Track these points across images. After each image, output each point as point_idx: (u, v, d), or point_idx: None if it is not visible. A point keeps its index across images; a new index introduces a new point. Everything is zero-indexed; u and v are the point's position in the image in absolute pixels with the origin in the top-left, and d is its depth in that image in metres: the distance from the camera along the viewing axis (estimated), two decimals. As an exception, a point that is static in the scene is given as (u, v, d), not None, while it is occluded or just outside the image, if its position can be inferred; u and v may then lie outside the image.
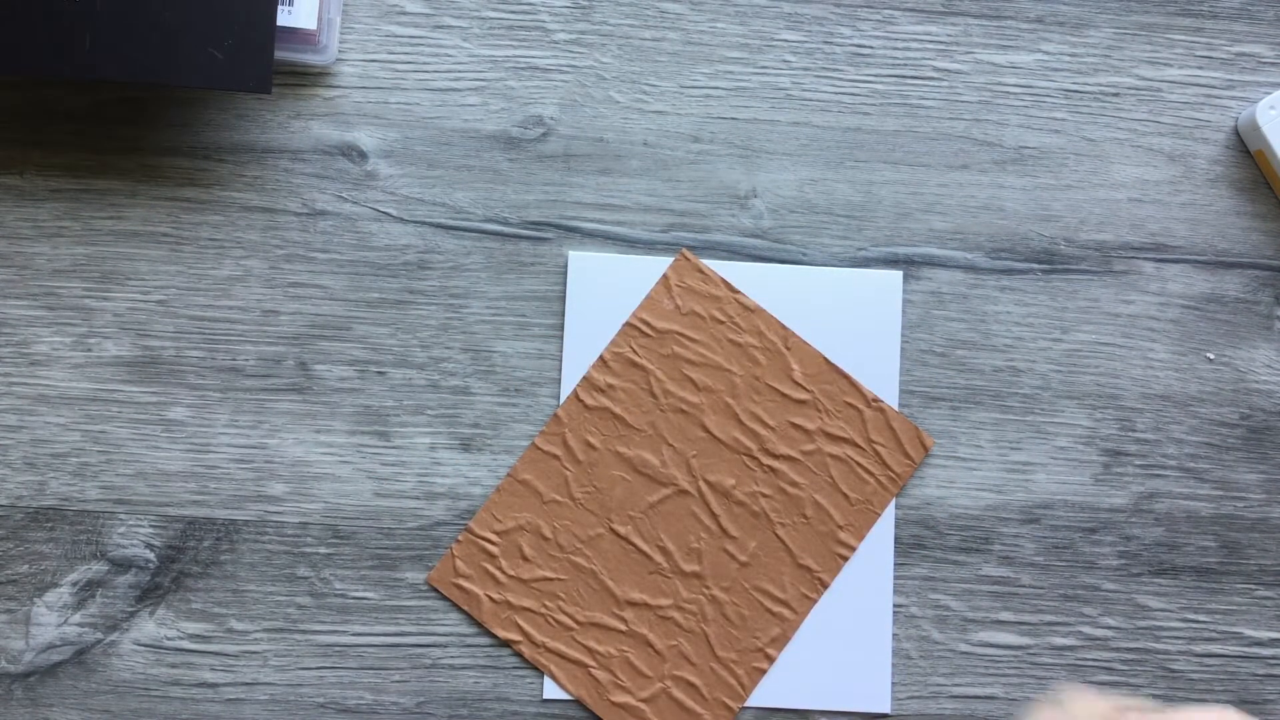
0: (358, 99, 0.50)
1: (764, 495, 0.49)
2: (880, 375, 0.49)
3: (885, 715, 0.48)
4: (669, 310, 0.49)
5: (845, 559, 0.49)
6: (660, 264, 0.50)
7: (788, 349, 0.49)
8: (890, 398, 0.49)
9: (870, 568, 0.49)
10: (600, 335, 0.49)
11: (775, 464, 0.49)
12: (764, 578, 0.48)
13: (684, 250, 0.49)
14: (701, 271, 0.50)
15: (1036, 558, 0.49)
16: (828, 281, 0.50)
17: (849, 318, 0.50)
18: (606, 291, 0.50)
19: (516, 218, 0.50)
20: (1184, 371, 0.50)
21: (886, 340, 0.50)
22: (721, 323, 0.49)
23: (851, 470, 0.49)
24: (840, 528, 0.49)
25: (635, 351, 0.49)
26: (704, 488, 0.48)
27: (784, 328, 0.49)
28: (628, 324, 0.49)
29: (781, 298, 0.50)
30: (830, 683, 0.48)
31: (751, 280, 0.50)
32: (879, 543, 0.49)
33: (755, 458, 0.49)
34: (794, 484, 0.49)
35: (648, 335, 0.49)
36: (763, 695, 0.48)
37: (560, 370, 0.49)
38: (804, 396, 0.49)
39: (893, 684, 0.49)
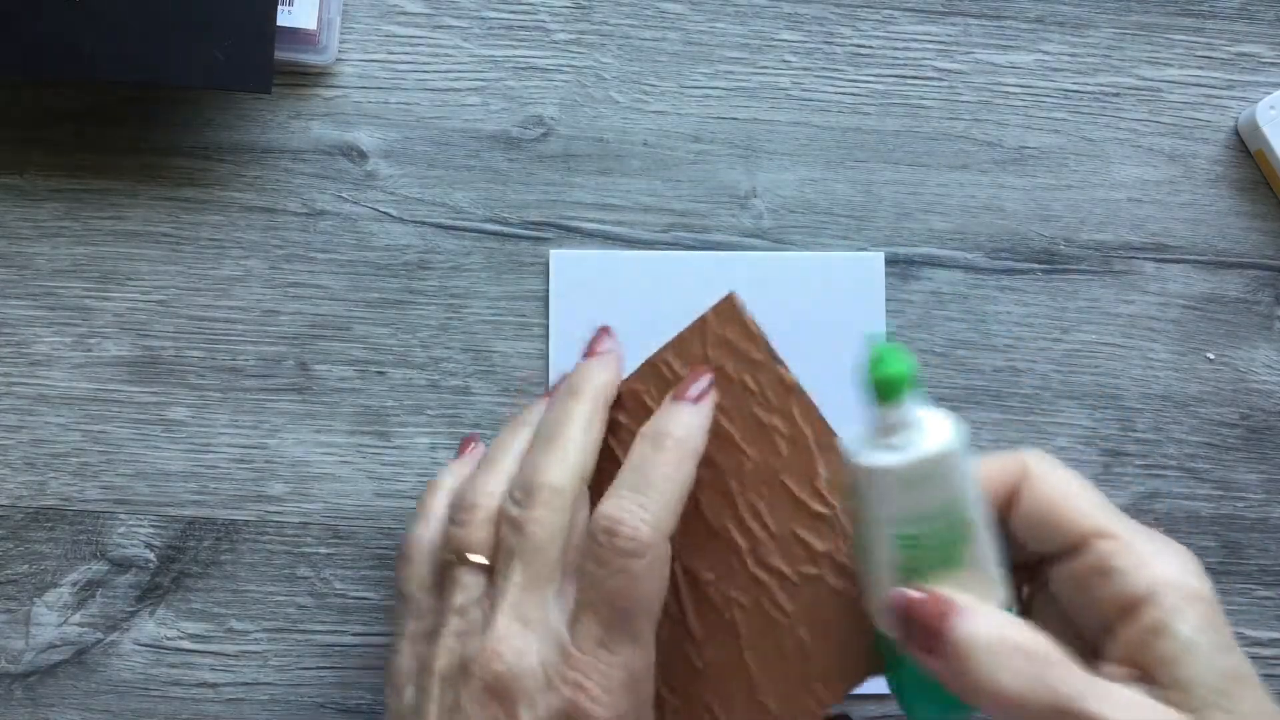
0: (358, 99, 0.50)
1: (740, 606, 0.41)
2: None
3: (888, 696, 0.48)
4: (698, 357, 0.42)
5: (814, 716, 0.40)
6: (649, 258, 0.50)
7: (819, 446, 0.41)
8: None
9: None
10: (587, 334, 0.49)
11: (764, 576, 0.41)
12: (715, 697, 0.40)
13: (732, 294, 0.42)
14: (745, 325, 0.42)
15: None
16: (806, 266, 0.50)
17: (831, 303, 0.50)
18: (591, 288, 0.49)
19: (516, 218, 0.50)
20: (1184, 371, 0.50)
21: (871, 326, 0.50)
22: (751, 393, 0.41)
23: (854, 616, 0.40)
24: (818, 679, 0.40)
25: (651, 395, 0.42)
26: (679, 569, 0.41)
27: (824, 422, 0.41)
28: (651, 362, 0.43)
29: (758, 284, 0.50)
30: None
31: (727, 268, 0.50)
32: None
33: (743, 560, 0.41)
34: (779, 607, 0.40)
35: (667, 380, 0.42)
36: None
37: (548, 371, 0.49)
38: (822, 509, 0.40)
39: (893, 684, 0.49)
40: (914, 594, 0.35)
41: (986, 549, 0.35)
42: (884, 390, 0.34)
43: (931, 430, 0.35)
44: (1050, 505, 0.36)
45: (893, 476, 0.35)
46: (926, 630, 0.34)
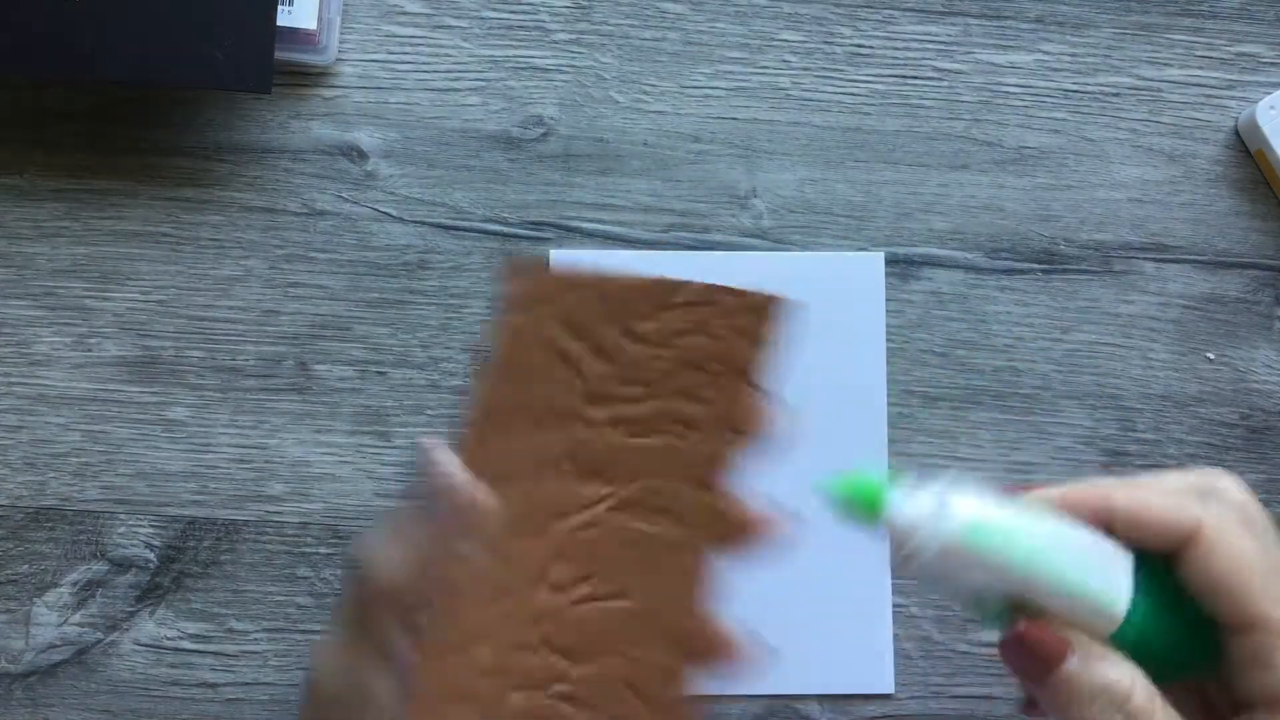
0: (358, 99, 0.50)
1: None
2: (866, 362, 0.49)
3: (888, 696, 0.48)
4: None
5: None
6: (649, 259, 0.50)
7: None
8: (878, 384, 0.49)
9: (866, 557, 0.49)
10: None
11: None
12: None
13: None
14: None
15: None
16: (806, 266, 0.50)
17: (831, 303, 0.50)
18: None
19: (516, 218, 0.50)
20: (1184, 371, 0.50)
21: (871, 325, 0.50)
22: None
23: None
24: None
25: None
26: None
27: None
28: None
29: (758, 284, 0.49)
30: (829, 667, 0.48)
31: (723, 267, 0.49)
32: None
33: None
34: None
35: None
36: (760, 683, 0.47)
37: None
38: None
39: (894, 680, 0.49)
40: (1030, 631, 0.35)
41: (1082, 575, 0.35)
42: (866, 516, 0.34)
43: (927, 529, 0.34)
44: (1220, 579, 0.35)
45: (930, 571, 0.34)
46: (1037, 665, 0.35)
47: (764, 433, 0.37)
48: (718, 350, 0.37)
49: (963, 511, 0.34)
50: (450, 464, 0.35)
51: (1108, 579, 0.35)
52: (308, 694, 0.37)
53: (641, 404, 0.37)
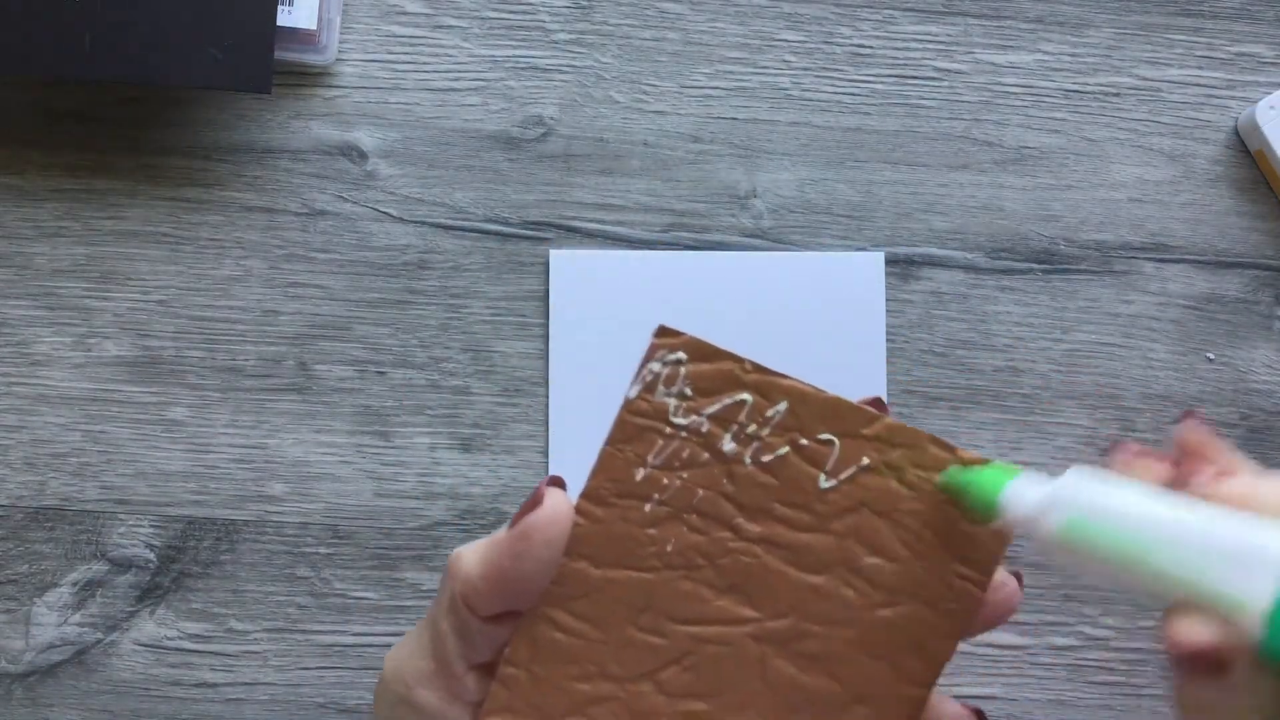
0: (358, 99, 0.50)
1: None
2: (866, 363, 0.49)
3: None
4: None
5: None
6: (649, 258, 0.50)
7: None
8: (878, 384, 0.49)
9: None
10: (587, 334, 0.49)
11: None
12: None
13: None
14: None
15: (1037, 557, 0.49)
16: (806, 266, 0.50)
17: (831, 303, 0.50)
18: (591, 289, 0.49)
19: (516, 218, 0.50)
20: (1184, 371, 0.50)
21: (871, 325, 0.50)
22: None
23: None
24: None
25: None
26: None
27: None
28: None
29: (756, 285, 0.50)
30: None
31: (727, 268, 0.50)
32: None
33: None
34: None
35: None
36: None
37: (548, 371, 0.49)
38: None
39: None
40: (1170, 638, 0.29)
41: (1198, 573, 0.29)
42: (983, 511, 0.31)
43: (1038, 524, 0.30)
44: None
45: (1059, 565, 0.30)
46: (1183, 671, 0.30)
47: (973, 625, 0.32)
48: (913, 506, 0.32)
49: (1067, 505, 0.30)
50: (555, 515, 0.32)
51: (1237, 575, 0.28)
52: (378, 696, 0.35)
53: (805, 534, 0.33)
